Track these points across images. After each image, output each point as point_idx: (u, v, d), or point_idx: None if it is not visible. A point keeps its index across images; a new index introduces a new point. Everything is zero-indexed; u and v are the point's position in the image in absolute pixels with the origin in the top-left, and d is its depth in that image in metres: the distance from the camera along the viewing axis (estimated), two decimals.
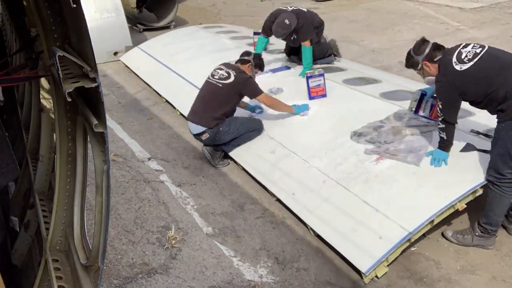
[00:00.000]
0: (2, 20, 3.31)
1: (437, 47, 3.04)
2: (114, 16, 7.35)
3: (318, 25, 5.21)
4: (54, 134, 2.13)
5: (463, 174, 3.08)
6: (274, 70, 5.31)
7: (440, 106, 2.99)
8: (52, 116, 2.14)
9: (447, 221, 3.10)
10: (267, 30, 5.16)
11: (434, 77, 3.03)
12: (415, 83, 4.76)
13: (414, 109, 3.67)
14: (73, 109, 1.81)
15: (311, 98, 4.42)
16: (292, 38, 5.08)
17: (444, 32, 7.74)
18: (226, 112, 4.06)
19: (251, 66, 4.22)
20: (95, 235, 1.60)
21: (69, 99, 1.36)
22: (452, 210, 2.94)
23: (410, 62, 3.15)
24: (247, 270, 2.96)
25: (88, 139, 1.68)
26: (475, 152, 3.25)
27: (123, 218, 3.42)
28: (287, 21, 4.85)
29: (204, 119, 4.02)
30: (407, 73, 6.01)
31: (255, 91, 4.05)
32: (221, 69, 4.14)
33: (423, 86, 3.76)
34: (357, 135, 3.70)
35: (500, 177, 2.79)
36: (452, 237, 3.08)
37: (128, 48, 7.34)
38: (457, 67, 2.87)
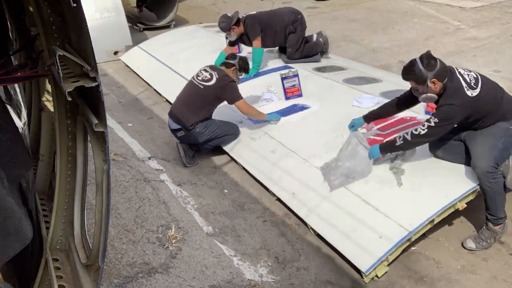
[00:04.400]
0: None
1: (445, 67, 2.89)
2: (114, 16, 7.34)
3: (289, 23, 5.29)
4: (55, 134, 2.13)
5: (464, 173, 3.08)
6: (275, 70, 5.30)
7: (435, 122, 2.88)
8: (52, 115, 2.14)
9: (447, 221, 3.10)
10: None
11: (432, 96, 2.92)
12: None
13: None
14: (73, 109, 1.81)
15: (287, 98, 4.52)
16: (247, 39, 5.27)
17: (445, 31, 7.74)
18: (204, 113, 4.11)
19: (236, 70, 4.20)
20: (96, 234, 1.60)
21: (69, 99, 1.36)
22: (452, 210, 2.94)
23: (417, 76, 2.86)
24: (247, 269, 2.96)
25: (89, 139, 1.68)
26: None
27: (123, 217, 3.42)
28: (228, 14, 5.12)
29: (182, 118, 4.10)
30: None
31: (234, 97, 4.07)
32: (206, 70, 4.17)
33: None
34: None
35: (496, 169, 2.83)
36: (477, 247, 3.00)
37: (128, 48, 7.33)
38: (469, 93, 2.83)
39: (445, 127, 2.90)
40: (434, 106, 3.12)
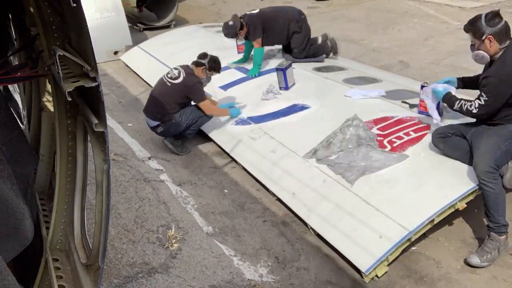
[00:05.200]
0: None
1: (509, 30, 2.79)
2: (114, 16, 7.34)
3: (294, 20, 5.27)
4: (55, 134, 2.13)
5: (464, 173, 3.08)
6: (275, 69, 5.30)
7: (485, 100, 2.83)
8: (52, 115, 2.14)
9: (447, 221, 3.10)
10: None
11: (484, 54, 2.86)
12: (415, 83, 4.75)
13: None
14: (73, 109, 1.81)
15: (286, 88, 4.70)
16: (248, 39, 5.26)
17: (445, 31, 7.74)
18: (174, 110, 4.22)
19: (205, 70, 4.27)
20: (95, 234, 1.60)
21: (69, 99, 1.36)
22: (452, 210, 2.94)
23: (475, 28, 2.81)
24: (247, 269, 2.96)
25: (89, 139, 1.68)
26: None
27: (123, 217, 3.42)
28: (230, 22, 5.05)
29: (156, 115, 4.26)
30: (408, 72, 6.03)
31: (198, 97, 4.22)
32: (176, 68, 4.30)
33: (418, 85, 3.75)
34: (312, 152, 3.70)
35: (496, 171, 2.81)
36: (483, 263, 2.84)
37: (128, 48, 7.33)
38: None
39: (494, 105, 2.84)
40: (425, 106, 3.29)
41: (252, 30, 5.13)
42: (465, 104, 3.00)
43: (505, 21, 2.82)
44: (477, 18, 2.86)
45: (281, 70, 4.63)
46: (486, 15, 2.82)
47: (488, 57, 2.87)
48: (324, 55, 5.49)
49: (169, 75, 4.27)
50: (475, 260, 2.86)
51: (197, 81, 4.21)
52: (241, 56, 5.63)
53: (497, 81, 2.81)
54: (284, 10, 5.45)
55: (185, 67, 4.31)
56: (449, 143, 3.17)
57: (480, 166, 2.82)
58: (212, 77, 4.46)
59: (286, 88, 4.67)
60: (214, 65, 4.32)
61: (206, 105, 4.25)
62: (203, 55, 4.33)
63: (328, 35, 5.60)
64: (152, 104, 4.30)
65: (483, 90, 2.89)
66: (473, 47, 2.93)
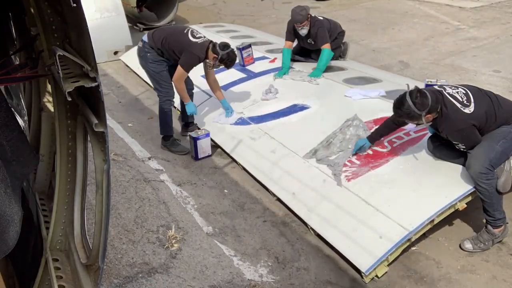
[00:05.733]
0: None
1: (437, 99, 2.87)
2: (114, 16, 7.34)
3: (336, 35, 5.23)
4: (55, 134, 2.13)
5: (464, 173, 3.08)
6: (276, 69, 5.30)
7: (464, 147, 2.97)
8: (53, 115, 2.14)
9: (447, 221, 3.10)
10: (291, 35, 5.14)
11: (427, 125, 3.03)
12: (415, 83, 4.75)
13: None
14: (73, 109, 1.81)
15: (244, 65, 4.91)
16: (308, 41, 5.09)
17: (444, 31, 7.74)
18: (168, 50, 4.23)
19: (216, 58, 4.17)
20: (95, 234, 1.60)
21: (69, 99, 1.36)
22: (452, 210, 2.94)
23: (410, 116, 2.89)
24: (247, 269, 2.96)
25: (88, 139, 1.68)
26: None
27: (123, 217, 3.42)
28: (301, 5, 4.93)
29: (153, 43, 4.30)
30: (408, 72, 6.03)
31: (183, 62, 4.13)
32: (202, 35, 4.29)
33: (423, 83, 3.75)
34: (312, 152, 3.72)
35: (490, 171, 2.85)
36: (474, 249, 3.00)
37: (128, 48, 7.33)
38: (467, 111, 2.86)
39: (474, 143, 2.94)
40: None
41: (322, 33, 4.95)
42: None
43: (429, 93, 2.85)
44: (404, 106, 2.86)
45: (239, 50, 5.26)
46: (413, 101, 2.82)
47: (430, 122, 2.99)
48: (339, 57, 5.46)
49: (192, 31, 4.23)
50: (468, 245, 3.01)
51: (197, 54, 4.13)
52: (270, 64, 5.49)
53: (464, 133, 2.91)
54: (336, 24, 5.33)
55: (206, 40, 4.22)
56: (444, 151, 3.18)
57: (474, 167, 2.85)
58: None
59: (243, 65, 5.30)
60: (225, 60, 4.19)
61: (179, 72, 4.17)
62: (223, 46, 4.19)
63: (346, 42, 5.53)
64: (158, 32, 4.36)
65: (461, 144, 2.99)
66: (409, 122, 3.07)
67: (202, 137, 4.22)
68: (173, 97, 4.42)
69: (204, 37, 4.27)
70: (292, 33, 5.12)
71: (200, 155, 4.28)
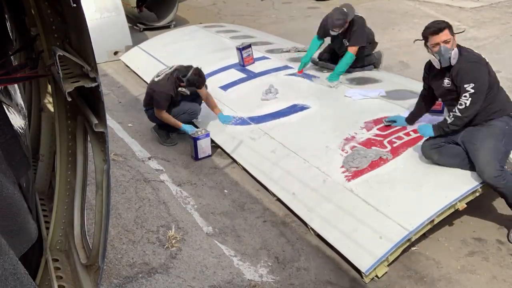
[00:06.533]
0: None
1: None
2: (114, 16, 7.34)
3: (370, 41, 4.95)
4: (55, 134, 2.13)
5: (464, 173, 3.08)
6: (276, 70, 5.30)
7: (472, 87, 2.89)
8: (53, 115, 2.14)
9: (447, 221, 3.10)
10: (323, 32, 4.90)
11: (453, 51, 2.99)
12: (415, 83, 4.76)
13: None
14: (73, 109, 1.81)
15: (244, 65, 4.84)
16: (342, 40, 4.77)
17: None
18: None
19: (184, 85, 4.35)
20: (95, 234, 1.60)
21: (69, 99, 1.36)
22: (452, 210, 2.94)
23: (444, 25, 3.02)
24: (247, 269, 2.96)
25: (88, 139, 1.68)
26: None
27: (123, 217, 3.42)
28: (344, 9, 4.59)
29: (147, 100, 4.55)
30: (408, 72, 6.03)
31: (155, 104, 4.39)
32: (169, 68, 4.51)
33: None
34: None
35: (502, 171, 2.86)
36: None
37: (128, 48, 7.33)
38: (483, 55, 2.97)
39: (482, 90, 2.90)
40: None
41: (359, 34, 4.63)
42: (454, 111, 3.02)
43: None
44: (443, 21, 3.07)
45: (239, 50, 5.23)
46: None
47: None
48: (372, 66, 5.14)
49: (160, 71, 4.51)
50: None
51: (162, 91, 4.31)
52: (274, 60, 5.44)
53: (477, 67, 2.93)
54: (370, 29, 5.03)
55: (174, 72, 4.38)
56: (444, 152, 3.15)
57: (488, 172, 2.84)
58: (211, 82, 4.56)
59: (243, 65, 5.24)
60: (194, 81, 4.35)
61: (156, 111, 4.41)
62: (186, 70, 4.38)
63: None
64: (146, 92, 4.59)
65: (466, 82, 2.93)
66: (445, 46, 3.01)
67: (202, 137, 4.22)
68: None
69: (171, 67, 4.44)
70: (324, 32, 4.85)
71: (200, 155, 4.27)
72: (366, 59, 5.03)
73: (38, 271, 1.93)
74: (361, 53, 4.81)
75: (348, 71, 4.86)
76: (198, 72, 4.36)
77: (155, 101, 4.37)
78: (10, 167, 1.63)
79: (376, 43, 5.09)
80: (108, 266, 2.89)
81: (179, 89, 4.36)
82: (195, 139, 4.21)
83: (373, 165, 3.37)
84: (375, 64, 5.16)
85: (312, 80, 4.86)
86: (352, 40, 4.66)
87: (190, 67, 4.40)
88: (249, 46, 5.51)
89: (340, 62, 4.74)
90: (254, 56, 5.61)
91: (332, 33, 4.69)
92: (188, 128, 4.39)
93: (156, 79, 4.43)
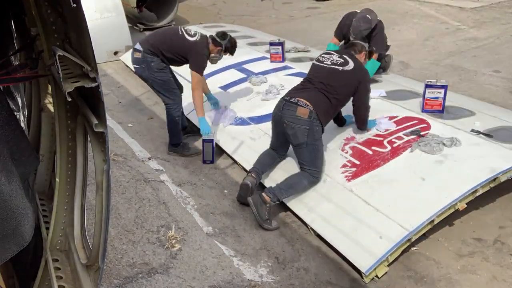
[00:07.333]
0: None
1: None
2: (114, 16, 7.34)
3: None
4: (55, 134, 2.13)
5: (464, 174, 3.08)
6: (276, 70, 5.30)
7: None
8: (53, 116, 2.14)
9: (447, 221, 3.10)
10: (341, 32, 4.90)
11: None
12: (415, 83, 4.76)
13: None
14: (73, 109, 1.81)
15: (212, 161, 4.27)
16: None
17: (444, 31, 7.74)
18: (169, 56, 4.11)
19: (220, 50, 4.13)
20: (95, 234, 1.60)
21: (69, 99, 1.36)
22: (452, 210, 2.94)
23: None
24: (247, 269, 2.96)
25: (88, 139, 1.67)
26: (475, 152, 3.26)
27: (123, 217, 3.42)
28: (368, 16, 4.56)
29: (150, 48, 4.08)
30: (408, 72, 6.03)
31: (194, 65, 4.05)
32: (195, 31, 4.20)
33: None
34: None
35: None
36: None
37: (128, 48, 7.32)
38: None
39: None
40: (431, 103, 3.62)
41: (379, 39, 4.59)
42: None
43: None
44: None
45: (210, 141, 4.17)
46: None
47: None
48: (381, 70, 5.11)
49: (186, 30, 4.16)
50: None
51: (204, 54, 4.08)
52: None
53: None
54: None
55: (203, 36, 4.16)
56: None
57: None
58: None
59: (212, 161, 4.25)
60: (230, 48, 4.20)
61: (197, 77, 4.06)
62: (222, 35, 4.15)
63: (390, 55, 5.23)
64: (153, 38, 4.20)
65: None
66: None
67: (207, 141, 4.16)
68: (181, 103, 4.34)
69: (197, 32, 4.20)
70: (341, 32, 4.81)
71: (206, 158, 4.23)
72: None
73: (38, 272, 1.93)
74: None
75: None
76: (234, 38, 4.22)
77: (200, 65, 4.03)
78: (20, 163, 1.63)
79: (389, 46, 5.02)
80: (108, 266, 2.89)
81: (212, 55, 4.11)
82: (212, 141, 4.14)
83: (374, 165, 3.37)
84: (384, 67, 5.12)
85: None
86: (377, 48, 4.61)
87: (225, 33, 4.16)
88: (280, 43, 5.39)
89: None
90: (254, 56, 5.61)
91: (352, 38, 4.60)
92: (206, 128, 4.13)
93: (185, 36, 4.07)
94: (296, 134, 3.28)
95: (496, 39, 7.18)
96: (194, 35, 4.12)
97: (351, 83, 3.36)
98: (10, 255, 1.50)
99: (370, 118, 3.67)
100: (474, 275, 2.83)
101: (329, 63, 3.43)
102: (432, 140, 3.38)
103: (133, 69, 4.31)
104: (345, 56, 3.44)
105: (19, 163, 1.69)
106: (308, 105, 3.25)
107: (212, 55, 4.13)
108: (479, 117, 3.73)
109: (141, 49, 4.11)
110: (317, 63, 3.52)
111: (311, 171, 3.34)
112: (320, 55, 3.56)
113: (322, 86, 3.34)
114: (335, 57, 3.44)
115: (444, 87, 3.77)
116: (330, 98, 3.32)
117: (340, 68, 3.37)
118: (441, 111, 3.80)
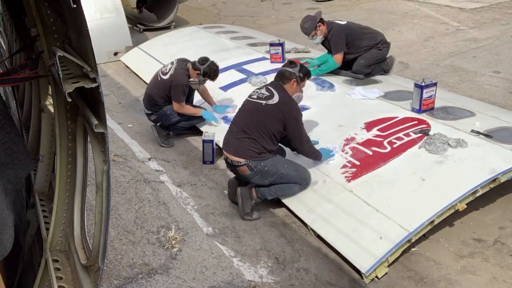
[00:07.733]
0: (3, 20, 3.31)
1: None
2: (114, 16, 7.35)
3: (379, 43, 4.85)
4: (55, 134, 2.13)
5: (463, 174, 3.08)
6: (275, 70, 5.29)
7: None
8: (53, 116, 2.14)
9: (447, 221, 3.10)
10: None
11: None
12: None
13: None
14: (73, 109, 1.81)
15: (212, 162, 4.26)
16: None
17: (444, 32, 7.74)
18: (164, 102, 4.49)
19: (199, 75, 4.32)
20: (95, 235, 1.60)
21: (69, 100, 1.36)
22: (452, 211, 2.94)
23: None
24: (247, 270, 2.96)
25: (88, 139, 1.68)
26: (475, 152, 3.26)
27: (123, 218, 3.42)
28: (311, 14, 4.81)
29: (149, 105, 4.56)
30: (408, 73, 6.03)
31: (173, 96, 4.37)
32: (172, 63, 4.53)
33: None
34: None
35: None
36: None
37: (128, 48, 7.34)
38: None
39: None
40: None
41: (336, 39, 4.73)
42: None
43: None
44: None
45: (210, 142, 4.15)
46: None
47: None
48: (382, 72, 5.05)
49: (162, 70, 4.50)
50: None
51: (180, 83, 4.32)
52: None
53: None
54: (374, 33, 4.95)
55: (181, 63, 4.42)
56: None
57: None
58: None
59: (212, 162, 4.23)
60: (209, 73, 4.33)
61: (176, 105, 4.40)
62: (203, 60, 4.34)
63: (392, 55, 5.17)
64: (147, 95, 4.57)
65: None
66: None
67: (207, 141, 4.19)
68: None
69: (172, 64, 4.45)
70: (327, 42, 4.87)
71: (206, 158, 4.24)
72: (380, 65, 4.96)
73: (38, 272, 1.93)
74: (376, 57, 4.84)
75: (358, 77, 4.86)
76: (215, 64, 4.36)
77: (175, 96, 4.35)
78: (12, 167, 1.63)
79: (389, 43, 5.01)
80: (108, 267, 2.89)
81: (190, 79, 4.36)
82: (212, 142, 4.18)
83: (374, 165, 3.37)
84: (385, 69, 5.07)
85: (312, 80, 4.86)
86: (333, 48, 4.81)
87: (206, 59, 4.36)
88: (280, 44, 5.43)
89: (324, 65, 4.91)
90: (254, 57, 5.61)
91: (312, 40, 4.87)
92: (209, 115, 4.52)
93: (161, 77, 4.43)
94: (255, 182, 3.40)
95: (496, 39, 7.18)
96: (169, 70, 4.42)
97: (277, 117, 3.27)
98: None
99: (322, 146, 3.64)
100: (474, 276, 2.83)
101: (256, 97, 3.38)
102: (438, 139, 3.37)
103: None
104: (270, 89, 3.38)
105: (13, 167, 1.68)
106: (240, 162, 3.29)
107: (191, 79, 4.36)
108: (479, 117, 3.73)
109: (148, 112, 4.60)
110: (248, 98, 3.47)
111: (296, 182, 3.38)
112: (254, 90, 3.53)
113: (246, 128, 3.29)
114: (263, 90, 3.39)
115: (435, 84, 3.84)
116: (261, 135, 3.26)
117: (263, 102, 3.31)
118: (433, 108, 3.86)
